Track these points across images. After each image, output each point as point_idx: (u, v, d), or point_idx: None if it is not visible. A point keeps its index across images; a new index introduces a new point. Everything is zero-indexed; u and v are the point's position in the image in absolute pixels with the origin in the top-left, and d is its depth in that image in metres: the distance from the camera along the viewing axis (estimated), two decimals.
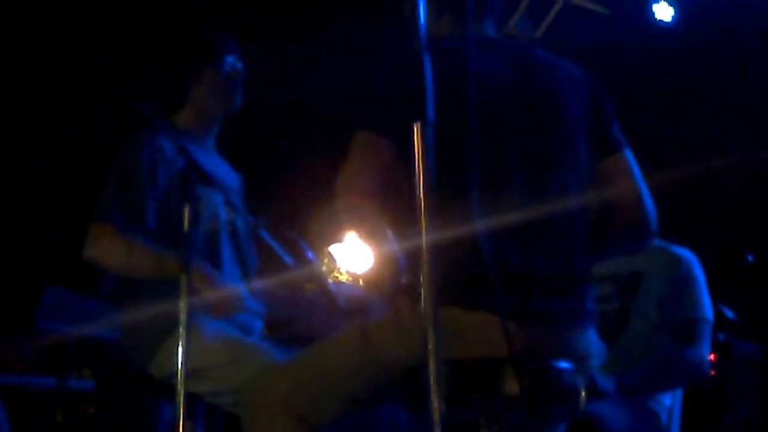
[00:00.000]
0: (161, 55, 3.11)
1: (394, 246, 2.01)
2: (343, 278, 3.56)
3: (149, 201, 2.67)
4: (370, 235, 2.05)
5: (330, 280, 3.00)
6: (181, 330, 2.33)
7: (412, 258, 1.98)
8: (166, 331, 2.56)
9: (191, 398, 2.46)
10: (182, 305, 2.35)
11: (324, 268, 3.05)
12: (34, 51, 5.14)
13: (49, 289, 4.32)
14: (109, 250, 2.64)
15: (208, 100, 2.92)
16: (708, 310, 3.22)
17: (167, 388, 2.53)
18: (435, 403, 1.47)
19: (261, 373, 2.39)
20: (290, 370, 2.21)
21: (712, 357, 4.19)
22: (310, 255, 2.87)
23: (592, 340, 2.08)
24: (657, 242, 3.27)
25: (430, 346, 1.48)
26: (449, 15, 2.21)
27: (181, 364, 2.32)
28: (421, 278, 1.51)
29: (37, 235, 5.53)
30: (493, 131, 2.02)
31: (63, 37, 5.10)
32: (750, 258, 4.97)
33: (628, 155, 2.21)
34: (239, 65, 2.94)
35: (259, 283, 2.83)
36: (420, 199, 1.52)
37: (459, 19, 2.21)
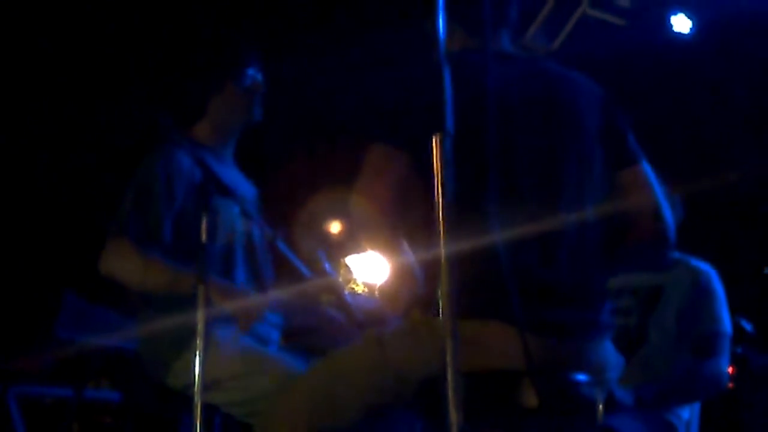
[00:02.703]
0: (181, 68, 3.12)
1: (410, 258, 2.02)
2: (360, 289, 3.56)
3: (165, 215, 2.67)
4: (386, 246, 2.06)
5: (346, 292, 3.00)
6: (198, 341, 2.34)
7: (429, 270, 1.98)
8: (183, 342, 2.56)
9: (208, 409, 2.46)
10: (199, 316, 2.36)
11: (340, 279, 3.05)
12: (55, 63, 5.18)
13: (68, 299, 4.33)
14: (126, 265, 2.64)
15: (227, 113, 2.93)
16: (727, 323, 3.20)
17: (184, 398, 2.53)
18: (453, 415, 1.47)
19: (278, 383, 2.39)
20: (306, 380, 2.22)
21: (730, 370, 4.17)
22: (326, 266, 2.87)
23: (609, 353, 2.07)
24: (676, 255, 3.27)
25: (448, 358, 1.49)
26: (461, 30, 2.22)
27: (198, 374, 2.33)
28: (439, 290, 1.52)
29: (57, 245, 5.56)
30: (509, 144, 2.02)
31: (84, 50, 5.14)
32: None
33: (645, 167, 2.21)
34: (259, 78, 2.95)
35: (275, 294, 2.84)
36: (439, 211, 1.53)
37: (472, 33, 2.22)
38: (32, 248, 5.51)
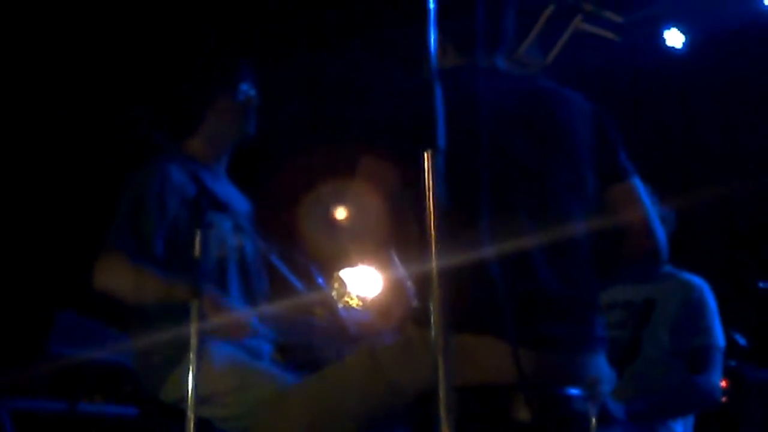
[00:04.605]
0: (174, 83, 3.13)
1: (403, 272, 2.02)
2: (354, 303, 3.56)
3: (158, 229, 2.67)
4: (378, 259, 2.06)
5: (340, 306, 3.00)
6: (191, 355, 2.34)
7: (422, 284, 1.99)
8: (177, 356, 2.56)
9: (202, 423, 2.46)
10: (192, 330, 2.36)
11: (334, 293, 3.05)
12: (46, 77, 5.18)
13: (62, 314, 4.33)
14: (119, 279, 2.64)
15: (220, 127, 2.93)
16: (720, 337, 3.21)
17: (178, 413, 2.53)
18: (445, 430, 1.47)
19: (271, 397, 2.39)
20: (300, 394, 2.22)
21: (723, 384, 4.17)
22: (320, 280, 2.88)
23: (602, 367, 2.08)
24: (669, 269, 3.28)
25: (441, 373, 1.49)
26: (453, 47, 2.23)
27: (191, 389, 2.33)
28: (431, 304, 1.52)
29: (51, 260, 5.55)
30: (501, 159, 2.03)
31: (76, 63, 5.14)
32: (761, 284, 4.96)
33: (636, 183, 2.22)
34: (253, 93, 2.95)
35: (269, 308, 2.84)
36: (430, 226, 1.53)
37: (462, 51, 2.23)
38: (25, 262, 5.50)
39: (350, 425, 2.11)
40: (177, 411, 2.54)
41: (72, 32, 5.03)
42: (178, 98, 3.02)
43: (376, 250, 2.04)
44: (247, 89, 2.94)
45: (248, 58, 3.03)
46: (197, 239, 2.41)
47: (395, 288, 2.04)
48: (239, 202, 2.99)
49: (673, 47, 5.74)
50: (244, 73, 2.96)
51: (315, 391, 2.18)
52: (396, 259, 2.03)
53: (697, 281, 3.29)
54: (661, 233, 2.20)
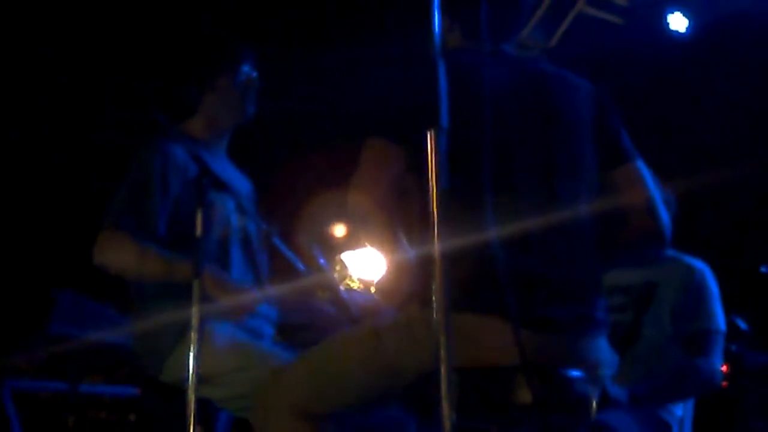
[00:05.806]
0: (175, 63, 3.12)
1: (407, 253, 2.02)
2: (355, 286, 3.56)
3: (160, 208, 2.67)
4: (383, 241, 2.06)
5: (342, 287, 3.00)
6: (192, 335, 2.34)
7: (425, 265, 1.99)
8: (178, 336, 2.56)
9: (202, 403, 2.46)
10: (194, 311, 2.36)
11: (336, 275, 3.05)
12: (49, 57, 5.17)
13: (62, 294, 4.33)
14: (120, 255, 2.64)
15: (221, 108, 2.92)
16: (721, 321, 3.21)
17: (178, 393, 2.53)
18: (446, 410, 1.47)
19: (270, 372, 2.40)
20: (301, 364, 2.23)
21: (724, 368, 4.17)
22: (322, 261, 2.87)
23: (603, 349, 2.07)
24: (670, 253, 3.27)
25: (442, 353, 1.49)
26: (458, 31, 2.22)
27: (192, 369, 2.33)
28: (433, 285, 1.52)
29: (51, 240, 5.55)
30: (504, 141, 2.03)
31: (79, 44, 5.13)
32: (763, 269, 4.96)
33: (640, 165, 2.22)
34: (254, 74, 2.94)
35: (271, 289, 2.84)
36: (433, 206, 1.53)
37: (468, 35, 2.22)
38: (26, 243, 5.51)
39: (350, 399, 2.12)
40: (177, 391, 2.54)
41: (75, 12, 5.01)
42: (179, 79, 3.01)
43: (383, 231, 2.03)
44: (248, 70, 2.93)
45: (250, 42, 3.02)
46: (198, 218, 2.41)
47: (400, 268, 2.04)
48: (240, 182, 2.99)
49: (676, 31, 5.72)
50: (245, 54, 2.95)
51: (316, 362, 2.19)
52: (403, 239, 2.03)
53: (699, 265, 3.28)
54: (665, 215, 2.20)
